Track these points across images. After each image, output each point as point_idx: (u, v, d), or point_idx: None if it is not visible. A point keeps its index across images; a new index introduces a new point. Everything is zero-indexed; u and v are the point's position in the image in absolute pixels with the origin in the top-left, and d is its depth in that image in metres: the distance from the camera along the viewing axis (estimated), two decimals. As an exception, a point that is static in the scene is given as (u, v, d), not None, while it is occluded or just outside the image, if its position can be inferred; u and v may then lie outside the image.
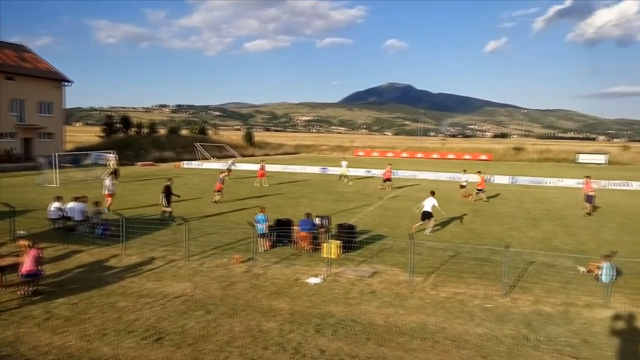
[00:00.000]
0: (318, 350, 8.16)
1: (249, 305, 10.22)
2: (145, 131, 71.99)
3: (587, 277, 12.61)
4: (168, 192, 19.29)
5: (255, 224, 14.61)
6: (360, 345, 8.38)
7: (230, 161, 36.68)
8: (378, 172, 43.71)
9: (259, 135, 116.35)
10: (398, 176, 42.83)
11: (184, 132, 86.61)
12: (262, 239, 14.68)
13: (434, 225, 18.55)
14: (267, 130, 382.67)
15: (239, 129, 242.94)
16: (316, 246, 14.59)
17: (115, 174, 31.86)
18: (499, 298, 10.94)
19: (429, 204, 18.37)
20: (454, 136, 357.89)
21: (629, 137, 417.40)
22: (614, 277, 11.92)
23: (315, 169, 46.56)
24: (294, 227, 15.31)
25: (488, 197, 27.36)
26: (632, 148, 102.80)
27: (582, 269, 13.22)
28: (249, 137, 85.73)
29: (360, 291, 11.22)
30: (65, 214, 17.09)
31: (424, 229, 18.16)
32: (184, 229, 13.48)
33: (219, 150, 65.29)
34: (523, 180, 39.72)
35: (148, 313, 9.62)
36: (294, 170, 46.16)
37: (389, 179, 31.99)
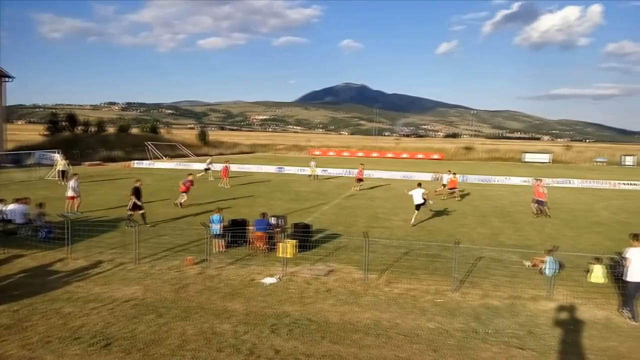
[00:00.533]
0: (273, 351, 8.12)
1: (202, 307, 10.03)
2: (92, 129, 69.04)
3: (532, 271, 13.20)
4: (137, 194, 18.42)
5: (211, 225, 14.38)
6: (316, 343, 8.41)
7: (207, 160, 35.42)
8: (334, 172, 44.10)
9: (214, 134, 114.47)
10: (353, 175, 43.33)
11: (135, 130, 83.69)
12: (216, 240, 14.45)
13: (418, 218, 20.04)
14: (222, 129, 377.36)
15: (192, 128, 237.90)
16: (272, 246, 14.51)
17: (63, 175, 30.47)
18: (450, 293, 11.27)
19: (417, 195, 19.65)
20: (407, 136, 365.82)
21: (571, 137, 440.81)
22: (557, 271, 12.55)
23: (272, 169, 46.34)
24: (249, 227, 15.16)
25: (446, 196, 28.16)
26: (574, 147, 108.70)
27: (527, 263, 13.83)
28: (203, 136, 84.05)
29: (316, 290, 11.26)
30: (5, 216, 16.17)
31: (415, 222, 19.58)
32: (134, 231, 13.05)
33: (172, 150, 63.74)
34: (473, 178, 41.12)
35: (95, 318, 9.25)
36: (249, 170, 45.72)
37: (361, 179, 31.86)
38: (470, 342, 8.66)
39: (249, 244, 14.77)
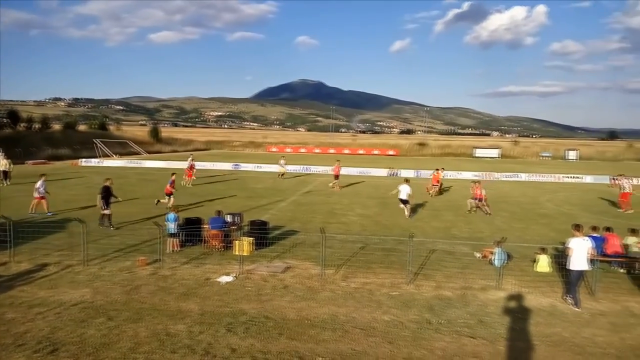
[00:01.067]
0: (229, 350, 8.02)
1: (155, 308, 9.76)
2: (36, 126, 65.61)
3: (482, 262, 13.67)
4: (107, 194, 17.67)
5: (166, 223, 14.02)
6: (273, 341, 8.37)
7: (189, 158, 33.74)
8: (291, 168, 44.01)
9: (167, 131, 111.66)
10: (311, 172, 43.46)
11: (82, 127, 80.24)
12: (170, 239, 14.11)
13: (411, 210, 21.08)
14: (176, 125, 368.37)
15: (144, 125, 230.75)
16: (228, 244, 14.31)
17: (5, 175, 28.83)
18: (405, 285, 11.50)
19: (404, 191, 20.36)
20: (363, 132, 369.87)
21: (518, 133, 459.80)
22: (505, 261, 13.07)
23: (228, 166, 45.70)
24: (204, 226, 14.89)
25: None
26: (521, 143, 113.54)
27: (477, 254, 14.33)
28: (155, 133, 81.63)
29: (273, 287, 11.21)
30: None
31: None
32: (81, 232, 12.52)
33: (122, 147, 61.61)
34: (426, 173, 42.02)
35: (41, 324, 8.82)
36: (204, 167, 44.84)
37: (337, 176, 31.47)
38: (424, 332, 8.88)
39: (204, 243, 14.50)
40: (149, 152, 62.89)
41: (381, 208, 23.18)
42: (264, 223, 15.41)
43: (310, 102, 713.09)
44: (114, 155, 55.87)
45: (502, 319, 9.65)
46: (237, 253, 13.19)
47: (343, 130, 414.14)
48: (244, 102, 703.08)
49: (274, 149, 79.01)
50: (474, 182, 24.75)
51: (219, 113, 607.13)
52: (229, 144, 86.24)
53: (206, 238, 14.49)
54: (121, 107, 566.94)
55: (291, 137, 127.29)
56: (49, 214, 19.23)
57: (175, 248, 14.08)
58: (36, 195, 19.61)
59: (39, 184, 19.86)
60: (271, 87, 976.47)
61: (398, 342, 8.43)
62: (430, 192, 28.15)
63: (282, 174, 37.17)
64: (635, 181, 25.63)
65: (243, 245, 13.30)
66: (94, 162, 47.85)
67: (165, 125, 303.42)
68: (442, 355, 8.01)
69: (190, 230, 14.48)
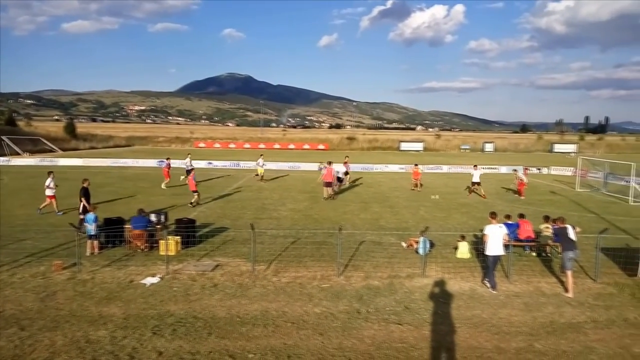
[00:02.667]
0: (156, 353, 7.72)
1: (73, 315, 9.16)
2: None
3: (407, 251, 14.20)
4: (87, 196, 16.39)
5: (84, 224, 13.18)
6: (202, 341, 8.16)
7: (187, 158, 30.81)
8: (219, 164, 43.09)
9: (84, 127, 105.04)
10: (241, 167, 42.83)
11: (-14, 123, 73.28)
12: (89, 241, 13.28)
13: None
14: (94, 120, 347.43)
15: (58, 120, 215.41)
16: (153, 244, 13.74)
17: None
18: (335, 277, 11.67)
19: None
20: (294, 127, 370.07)
21: (440, 127, 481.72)
22: (429, 249, 13.66)
23: (152, 162, 43.82)
24: (126, 226, 14.17)
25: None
26: (443, 136, 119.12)
27: (403, 244, 14.87)
28: (70, 129, 76.25)
29: (202, 286, 10.92)
30: None
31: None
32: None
33: (34, 144, 57.09)
34: (355, 167, 42.94)
35: (-62, 341, 7.96)
36: (125, 164, 42.77)
37: (346, 173, 30.79)
38: (353, 322, 9.07)
39: (127, 244, 13.81)
40: (64, 150, 58.79)
41: (312, 202, 23.34)
42: (192, 221, 14.97)
43: (239, 97, 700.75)
44: (23, 154, 51.62)
45: (426, 305, 10.08)
46: (163, 253, 12.70)
47: (273, 124, 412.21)
48: (168, 95, 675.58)
49: (201, 145, 76.85)
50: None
51: (142, 107, 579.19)
52: (153, 140, 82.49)
53: (129, 239, 13.81)
54: (32, 101, 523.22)
55: (220, 132, 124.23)
56: (58, 213, 18.52)
57: (95, 250, 13.28)
58: (49, 193, 19.03)
59: (48, 181, 19.13)
60: (197, 81, 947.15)
61: (329, 333, 8.54)
62: (417, 187, 28.69)
63: (262, 176, 31.98)
64: (534, 170, 27.75)
65: (169, 244, 12.83)
66: (1, 160, 43.91)
67: (82, 120, 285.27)
68: (371, 343, 8.22)
69: (111, 231, 13.71)
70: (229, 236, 15.71)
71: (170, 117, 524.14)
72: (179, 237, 13.68)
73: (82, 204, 16.20)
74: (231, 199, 23.95)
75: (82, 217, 15.62)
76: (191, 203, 21.47)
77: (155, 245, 13.72)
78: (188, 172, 28.99)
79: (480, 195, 25.05)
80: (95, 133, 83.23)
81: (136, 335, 8.34)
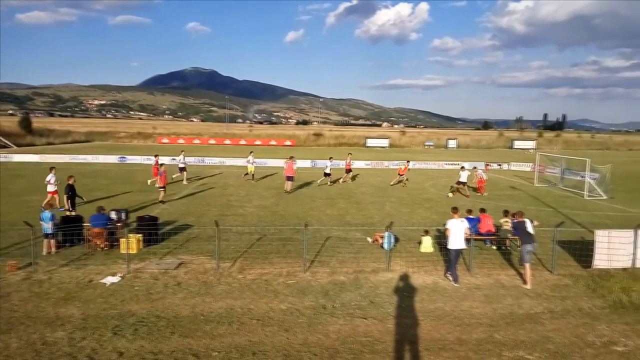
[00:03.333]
0: (116, 353, 7.52)
1: (29, 316, 8.81)
2: None
3: (373, 246, 14.34)
4: (73, 193, 15.94)
5: (41, 223, 12.68)
6: (164, 340, 8.00)
7: (181, 155, 28.87)
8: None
9: (40, 121, 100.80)
10: (206, 164, 42.18)
11: None
12: (46, 240, 12.79)
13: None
14: (51, 115, 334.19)
15: (13, 114, 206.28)
16: (113, 242, 13.36)
17: None
18: (301, 273, 11.67)
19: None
20: (260, 123, 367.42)
21: (405, 123, 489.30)
22: (393, 244, 13.84)
23: (113, 159, 42.60)
24: (85, 224, 13.71)
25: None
26: (408, 133, 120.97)
27: (369, 239, 15.01)
28: (26, 123, 72.98)
29: (165, 285, 10.69)
30: None
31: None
32: None
33: (-14, 140, 54.48)
34: (322, 163, 42.99)
35: None
36: (85, 161, 41.39)
37: (349, 170, 30.83)
38: (319, 317, 9.09)
39: (86, 242, 13.38)
40: (19, 145, 56.32)
41: (278, 198, 23.24)
42: (154, 218, 14.61)
43: (204, 91, 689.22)
44: (-25, 149, 49.19)
45: (391, 299, 10.21)
46: (123, 251, 12.36)
47: (239, 120, 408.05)
48: (130, 90, 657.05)
49: (165, 140, 75.17)
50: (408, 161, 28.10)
51: (102, 102, 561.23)
52: (114, 135, 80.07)
53: (88, 237, 13.37)
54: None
55: (184, 128, 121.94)
56: (60, 209, 17.58)
57: (52, 250, 12.80)
58: (51, 189, 18.39)
59: (49, 177, 18.53)
60: (161, 75, 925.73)
61: (294, 329, 8.53)
62: (403, 182, 29.03)
63: (252, 174, 29.72)
64: (495, 166, 28.65)
65: (130, 242, 12.50)
66: (-51, 156, 41.67)
67: (39, 115, 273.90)
68: (337, 337, 8.27)
69: (69, 230, 13.24)
70: (192, 234, 15.46)
71: (132, 112, 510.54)
72: (140, 235, 13.35)
73: (68, 201, 15.95)
74: (195, 196, 23.55)
75: (73, 213, 15.60)
76: (162, 201, 21.03)
77: (115, 243, 13.35)
78: (181, 169, 28.19)
79: (465, 195, 24.84)
80: (53, 128, 79.90)
81: (96, 336, 8.10)
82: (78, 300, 9.67)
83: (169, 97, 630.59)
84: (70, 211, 15.95)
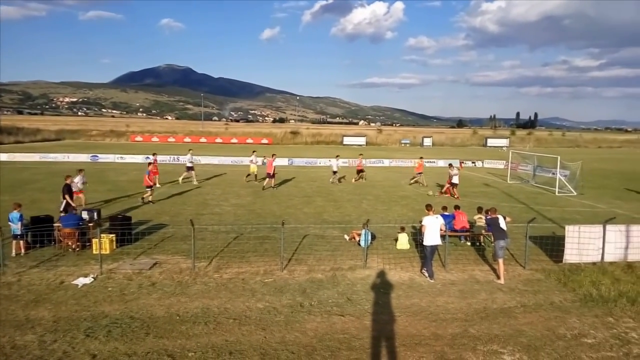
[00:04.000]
0: (89, 356, 7.36)
1: (-4, 321, 8.53)
2: None
3: (350, 244, 14.40)
4: (70, 193, 15.52)
5: (9, 224, 12.30)
6: (139, 341, 7.85)
7: (188, 154, 27.54)
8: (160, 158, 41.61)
9: (8, 119, 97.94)
10: (181, 162, 41.60)
11: None
12: (15, 241, 12.41)
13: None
14: (20, 112, 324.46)
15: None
16: (85, 243, 13.06)
17: None
18: (278, 272, 11.62)
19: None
20: (237, 121, 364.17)
21: (382, 121, 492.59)
22: (370, 242, 13.92)
23: (84, 157, 41.60)
24: (56, 224, 13.35)
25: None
26: (384, 131, 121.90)
27: (346, 236, 15.05)
28: (-7, 122, 70.78)
29: (139, 285, 10.50)
30: None
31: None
32: None
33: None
34: (299, 161, 43.10)
35: None
36: (55, 160, 40.30)
37: (361, 170, 30.36)
38: (296, 315, 9.08)
39: (57, 243, 13.03)
40: (-15, 144, 54.50)
41: (254, 197, 23.11)
42: (127, 218, 14.35)
43: (179, 89, 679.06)
44: (-62, 148, 47.34)
45: (368, 296, 10.27)
46: (96, 252, 12.10)
47: (215, 118, 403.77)
48: (102, 87, 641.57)
49: (138, 138, 73.83)
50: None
51: (73, 99, 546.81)
52: (86, 134, 78.15)
53: (59, 238, 13.03)
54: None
55: (158, 126, 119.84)
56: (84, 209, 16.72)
57: (21, 251, 12.43)
58: (75, 189, 17.43)
59: (77, 179, 18.04)
60: (133, 72, 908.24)
61: (271, 328, 8.49)
62: (419, 180, 29.05)
63: (255, 175, 28.41)
64: (470, 164, 29.20)
65: (103, 243, 12.24)
66: None
67: (7, 112, 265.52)
68: (314, 335, 8.27)
69: (39, 230, 12.86)
70: (167, 233, 15.23)
71: (105, 110, 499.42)
72: (113, 235, 13.09)
73: (64, 201, 15.44)
74: (170, 195, 23.20)
75: (62, 214, 14.92)
76: (142, 198, 20.69)
77: (87, 244, 13.06)
78: (189, 168, 27.16)
79: (455, 197, 24.07)
80: (22, 126, 77.46)
81: (67, 339, 7.90)
82: (49, 303, 9.42)
83: (142, 94, 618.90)
84: (67, 211, 15.42)
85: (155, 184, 22.90)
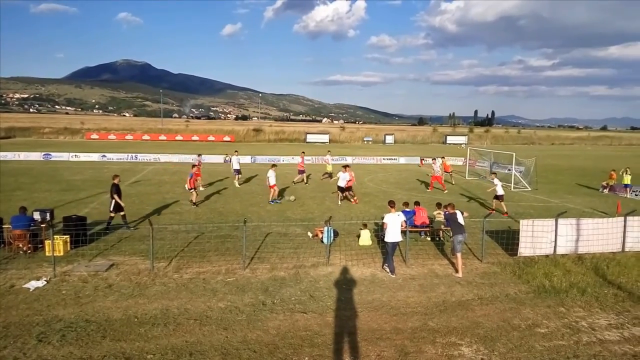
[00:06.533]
0: (41, 363, 7.06)
1: (-61, 329, 8.06)
2: None
3: (313, 241, 14.43)
4: (119, 192, 15.08)
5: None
6: (95, 345, 7.60)
7: (196, 156, 25.75)
8: (115, 157, 40.42)
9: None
10: (139, 160, 40.54)
11: None
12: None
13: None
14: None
15: None
16: (37, 244, 12.52)
17: None
18: (240, 270, 11.52)
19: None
20: (198, 118, 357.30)
21: (345, 119, 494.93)
22: (333, 239, 14.00)
23: (36, 156, 39.88)
24: (5, 226, 12.73)
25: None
26: (347, 128, 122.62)
27: (309, 234, 15.08)
28: (-64, 118, 66.72)
29: (95, 287, 10.17)
30: None
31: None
32: None
33: None
34: (262, 159, 42.83)
35: None
36: (4, 158, 38.45)
37: (303, 170, 28.85)
38: (259, 314, 9.02)
39: (6, 245, 12.44)
40: None
41: (216, 195, 22.78)
42: (82, 218, 13.85)
43: (136, 85, 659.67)
44: None
45: (330, 292, 10.33)
46: (49, 254, 11.62)
47: (175, 115, 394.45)
48: (55, 83, 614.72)
49: (94, 136, 71.32)
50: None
51: (23, 95, 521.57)
52: (38, 131, 74.80)
53: (9, 239, 12.43)
54: None
55: (115, 123, 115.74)
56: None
57: (-34, 254, 11.79)
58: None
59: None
60: (89, 67, 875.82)
61: (233, 327, 8.41)
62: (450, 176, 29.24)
63: (330, 175, 29.33)
64: (429, 161, 29.95)
65: (56, 244, 11.77)
66: None
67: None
68: (276, 333, 8.24)
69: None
70: (125, 234, 14.80)
71: (58, 107, 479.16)
72: (67, 236, 12.61)
73: (113, 200, 15.01)
74: (128, 194, 22.50)
75: (113, 214, 15.15)
76: (193, 203, 19.97)
77: (40, 245, 12.53)
78: (237, 171, 26.47)
79: (444, 188, 25.74)
80: (-33, 123, 73.54)
81: (18, 344, 7.57)
82: (-3, 308, 8.99)
83: (98, 90, 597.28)
84: (114, 212, 15.18)
85: (198, 186, 22.05)
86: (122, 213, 15.41)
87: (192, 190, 20.19)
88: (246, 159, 41.06)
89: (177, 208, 19.31)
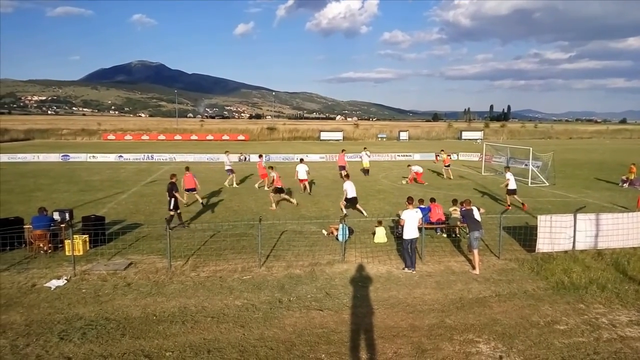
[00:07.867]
0: (63, 359, 7.20)
1: (-34, 327, 8.26)
2: None
3: (328, 239, 14.44)
4: (176, 190, 15.64)
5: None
6: (115, 343, 7.72)
7: (226, 156, 26.35)
8: (132, 157, 40.94)
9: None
10: (155, 160, 41.00)
11: None
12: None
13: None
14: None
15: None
16: (57, 244, 12.75)
17: None
18: (256, 268, 11.58)
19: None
20: (212, 117, 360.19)
21: (358, 116, 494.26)
22: (348, 236, 13.98)
23: (55, 157, 40.58)
24: (26, 226, 12.99)
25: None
26: (361, 125, 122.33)
27: (324, 231, 15.09)
28: (-43, 121, 68.25)
29: (114, 286, 10.32)
30: None
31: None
32: None
33: None
34: (275, 157, 42.93)
35: None
36: (24, 160, 39.21)
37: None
38: (275, 312, 9.06)
39: (27, 245, 12.69)
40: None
41: (231, 194, 22.94)
42: (100, 218, 14.07)
43: (151, 86, 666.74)
44: None
45: (346, 290, 10.32)
46: (69, 253, 11.82)
47: (189, 115, 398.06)
48: (71, 85, 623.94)
49: (111, 137, 72.31)
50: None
51: (41, 97, 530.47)
52: (56, 133, 76.10)
53: (30, 240, 12.69)
54: None
55: (131, 124, 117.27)
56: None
57: (-11, 254, 12.07)
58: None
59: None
60: (104, 69, 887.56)
61: (250, 325, 8.46)
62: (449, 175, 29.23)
63: (367, 169, 30.31)
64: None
65: (75, 244, 11.97)
66: None
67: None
68: (293, 330, 8.27)
69: (9, 233, 12.50)
70: (142, 232, 15.00)
71: (75, 108, 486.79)
72: (86, 235, 12.82)
73: (171, 199, 15.39)
74: (144, 194, 22.84)
75: (172, 213, 15.54)
76: (293, 202, 20.19)
77: (60, 245, 12.76)
78: (230, 171, 26.20)
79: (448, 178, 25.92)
80: (-12, 126, 75.15)
81: (41, 342, 7.72)
82: (20, 306, 9.18)
83: (114, 91, 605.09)
84: (173, 210, 15.59)
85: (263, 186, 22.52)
86: (178, 211, 15.78)
87: (281, 192, 19.85)
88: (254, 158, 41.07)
89: (192, 207, 19.47)
